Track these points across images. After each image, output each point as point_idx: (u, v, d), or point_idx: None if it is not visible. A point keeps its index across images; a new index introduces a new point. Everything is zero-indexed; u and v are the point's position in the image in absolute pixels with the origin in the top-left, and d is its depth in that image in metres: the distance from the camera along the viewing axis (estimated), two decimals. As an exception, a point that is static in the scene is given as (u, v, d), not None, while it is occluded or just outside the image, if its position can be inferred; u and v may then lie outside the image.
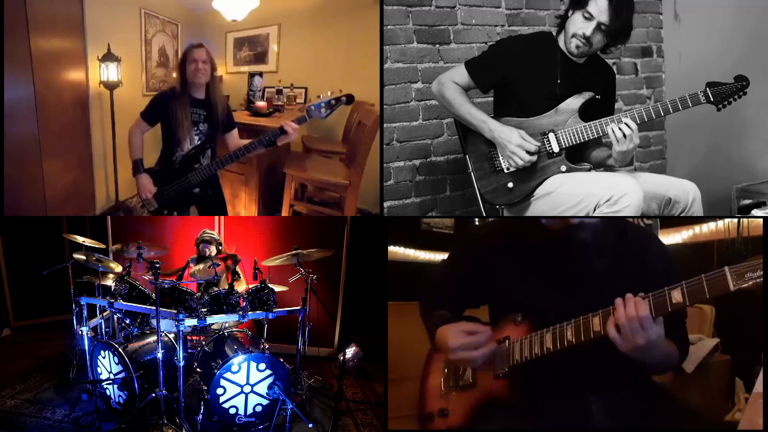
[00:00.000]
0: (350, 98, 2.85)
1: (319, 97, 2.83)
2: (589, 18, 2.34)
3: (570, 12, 2.42)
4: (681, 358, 1.74)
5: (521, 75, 2.49)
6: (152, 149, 3.07)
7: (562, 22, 2.48)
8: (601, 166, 2.55)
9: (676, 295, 1.49)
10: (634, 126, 2.30)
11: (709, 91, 2.31)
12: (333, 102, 2.82)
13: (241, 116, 4.28)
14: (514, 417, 1.71)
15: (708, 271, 1.46)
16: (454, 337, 1.77)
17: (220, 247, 3.39)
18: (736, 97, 2.32)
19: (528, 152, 2.40)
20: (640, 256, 1.76)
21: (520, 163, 2.42)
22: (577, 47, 2.41)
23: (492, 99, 2.68)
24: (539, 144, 2.42)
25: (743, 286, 1.41)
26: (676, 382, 2.26)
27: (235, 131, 3.13)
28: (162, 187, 2.96)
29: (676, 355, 1.70)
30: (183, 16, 4.59)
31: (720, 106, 2.33)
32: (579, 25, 2.37)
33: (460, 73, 2.54)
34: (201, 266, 2.93)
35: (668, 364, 1.71)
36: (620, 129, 2.30)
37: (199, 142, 2.98)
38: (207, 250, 3.34)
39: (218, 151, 3.10)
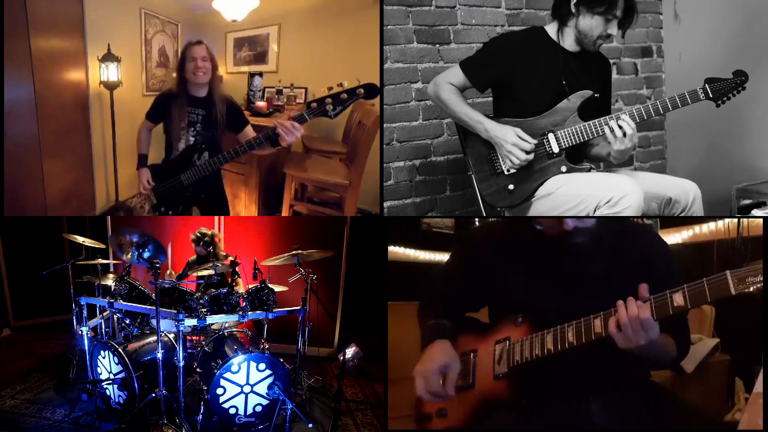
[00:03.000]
0: (371, 90, 2.40)
1: (330, 88, 2.46)
2: (612, 18, 2.33)
3: (575, 10, 2.36)
4: (680, 355, 1.75)
5: (516, 72, 2.47)
6: (159, 146, 3.08)
7: (564, 19, 2.43)
8: (601, 161, 2.54)
9: (678, 299, 1.50)
10: (633, 124, 2.29)
11: (708, 87, 2.30)
12: (344, 96, 2.46)
13: (242, 116, 4.27)
14: (514, 417, 1.71)
15: (708, 271, 1.47)
16: (425, 367, 1.80)
17: (211, 246, 3.36)
18: (735, 92, 2.30)
19: (524, 151, 2.38)
20: (642, 256, 1.76)
21: (517, 162, 2.40)
22: (600, 45, 2.43)
23: (491, 99, 2.68)
24: (535, 142, 2.40)
25: (744, 290, 1.41)
26: (676, 382, 2.26)
27: (249, 128, 3.02)
28: (158, 184, 2.95)
29: (673, 350, 1.71)
30: (183, 16, 4.58)
31: (719, 102, 2.31)
32: (602, 27, 2.35)
33: (456, 74, 2.53)
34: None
35: (665, 360, 1.72)
36: (620, 127, 2.29)
37: (193, 141, 2.93)
38: (200, 249, 3.36)
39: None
